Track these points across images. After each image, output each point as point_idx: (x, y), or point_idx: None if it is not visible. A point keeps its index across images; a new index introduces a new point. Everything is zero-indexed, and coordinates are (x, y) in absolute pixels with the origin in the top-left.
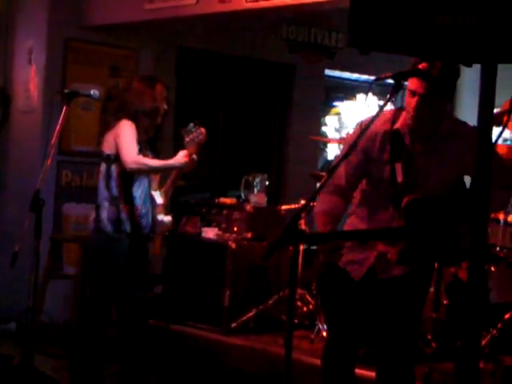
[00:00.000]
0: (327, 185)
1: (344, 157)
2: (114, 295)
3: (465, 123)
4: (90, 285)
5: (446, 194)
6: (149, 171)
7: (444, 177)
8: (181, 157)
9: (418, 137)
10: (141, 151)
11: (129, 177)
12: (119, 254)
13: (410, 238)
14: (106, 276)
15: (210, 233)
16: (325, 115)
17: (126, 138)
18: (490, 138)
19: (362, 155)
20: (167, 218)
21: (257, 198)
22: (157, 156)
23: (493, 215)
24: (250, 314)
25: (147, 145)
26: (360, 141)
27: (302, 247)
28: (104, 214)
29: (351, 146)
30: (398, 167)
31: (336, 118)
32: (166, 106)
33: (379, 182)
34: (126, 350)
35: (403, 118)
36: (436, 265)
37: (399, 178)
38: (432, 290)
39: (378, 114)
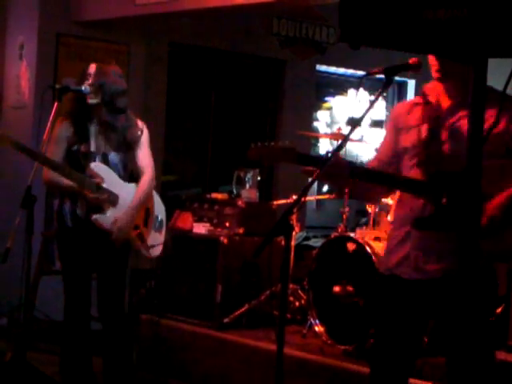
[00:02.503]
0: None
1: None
2: (82, 290)
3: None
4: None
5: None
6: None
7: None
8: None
9: (445, 101)
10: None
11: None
12: (65, 248)
13: (431, 194)
14: (64, 270)
15: (201, 228)
16: (316, 110)
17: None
18: (482, 131)
19: (393, 131)
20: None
21: (248, 193)
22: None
23: None
24: (242, 310)
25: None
26: (390, 122)
27: (293, 243)
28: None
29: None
30: (424, 127)
31: (327, 113)
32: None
33: (405, 151)
34: (110, 345)
35: (431, 85)
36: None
37: (423, 136)
38: None
39: (370, 107)
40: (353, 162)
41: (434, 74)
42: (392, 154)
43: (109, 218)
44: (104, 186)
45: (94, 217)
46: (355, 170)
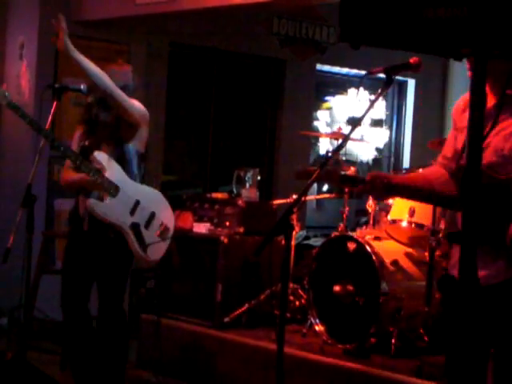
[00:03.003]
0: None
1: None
2: (82, 290)
3: None
4: None
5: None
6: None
7: (499, 148)
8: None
9: (488, 102)
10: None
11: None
12: (68, 250)
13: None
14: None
15: (201, 228)
16: (316, 110)
17: None
18: (482, 131)
19: (454, 128)
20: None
21: (249, 192)
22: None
23: None
24: (243, 309)
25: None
26: (452, 118)
27: (293, 242)
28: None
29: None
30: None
31: (327, 112)
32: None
33: (459, 153)
34: (104, 345)
35: None
36: None
37: (459, 144)
38: (423, 284)
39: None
40: (388, 179)
41: (468, 73)
42: (454, 150)
43: (106, 206)
44: (105, 174)
45: (90, 201)
46: (388, 189)
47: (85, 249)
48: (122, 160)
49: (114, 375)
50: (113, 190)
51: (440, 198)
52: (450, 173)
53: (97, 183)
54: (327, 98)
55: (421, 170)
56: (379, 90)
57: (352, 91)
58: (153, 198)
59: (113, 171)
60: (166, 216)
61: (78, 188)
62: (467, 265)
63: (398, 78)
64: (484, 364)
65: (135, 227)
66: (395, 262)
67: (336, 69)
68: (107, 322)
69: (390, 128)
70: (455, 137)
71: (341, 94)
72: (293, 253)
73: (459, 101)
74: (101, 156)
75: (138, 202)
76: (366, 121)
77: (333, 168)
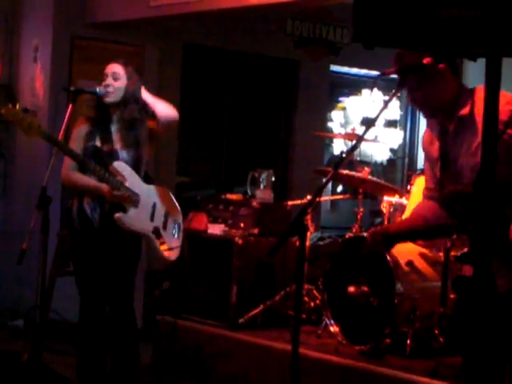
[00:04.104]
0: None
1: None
2: (98, 292)
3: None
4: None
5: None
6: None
7: (472, 165)
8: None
9: (443, 114)
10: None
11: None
12: (74, 250)
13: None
14: (76, 271)
15: (216, 229)
16: (330, 110)
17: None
18: (496, 133)
19: (427, 160)
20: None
21: (263, 193)
22: (133, 145)
23: None
24: (257, 310)
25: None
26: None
27: (308, 243)
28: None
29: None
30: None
31: (341, 113)
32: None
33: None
34: (116, 346)
35: None
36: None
37: (437, 173)
38: (438, 284)
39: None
40: (386, 231)
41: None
42: (436, 180)
43: (130, 217)
44: (126, 185)
45: (117, 215)
46: (389, 241)
47: (97, 247)
48: (135, 166)
49: (128, 376)
50: (135, 200)
51: (437, 231)
52: (438, 201)
53: (123, 196)
54: (341, 98)
55: None
56: (393, 91)
57: (366, 92)
58: (161, 196)
59: (132, 180)
60: (173, 211)
61: (90, 194)
62: (482, 267)
63: None
64: (502, 365)
65: (157, 232)
66: (410, 263)
67: (350, 69)
68: (119, 321)
69: (404, 129)
70: (432, 167)
71: (355, 94)
72: (307, 253)
73: (425, 134)
74: (121, 167)
75: (154, 205)
76: (380, 121)
77: (333, 240)
